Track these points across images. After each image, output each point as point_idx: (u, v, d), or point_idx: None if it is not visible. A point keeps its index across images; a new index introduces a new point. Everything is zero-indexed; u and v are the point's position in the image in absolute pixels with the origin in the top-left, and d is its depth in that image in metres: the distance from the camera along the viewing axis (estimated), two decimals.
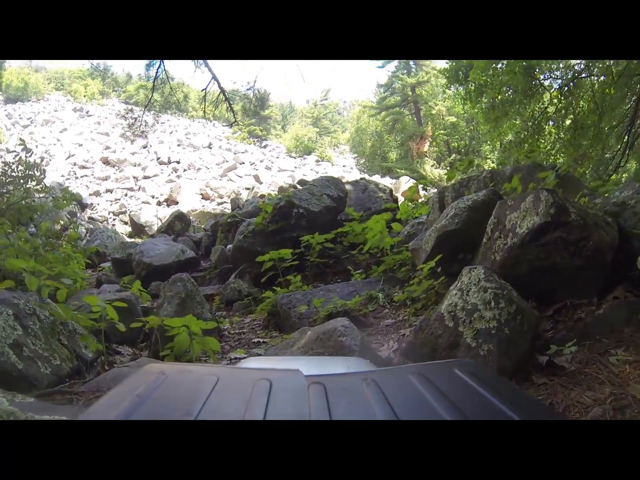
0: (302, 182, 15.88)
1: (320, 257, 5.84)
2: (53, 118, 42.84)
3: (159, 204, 27.83)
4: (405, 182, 21.72)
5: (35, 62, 51.37)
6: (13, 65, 44.09)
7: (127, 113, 16.72)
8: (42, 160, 9.44)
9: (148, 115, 15.24)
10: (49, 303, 2.94)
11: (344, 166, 40.54)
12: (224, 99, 13.08)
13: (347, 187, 8.43)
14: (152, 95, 12.01)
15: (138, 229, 19.24)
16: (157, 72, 11.63)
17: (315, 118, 50.24)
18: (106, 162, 34.74)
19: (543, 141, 11.19)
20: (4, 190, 8.19)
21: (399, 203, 8.54)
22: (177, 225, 12.07)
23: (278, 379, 0.85)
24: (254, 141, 45.68)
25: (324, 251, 5.90)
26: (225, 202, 26.93)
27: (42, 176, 8.64)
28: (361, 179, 10.51)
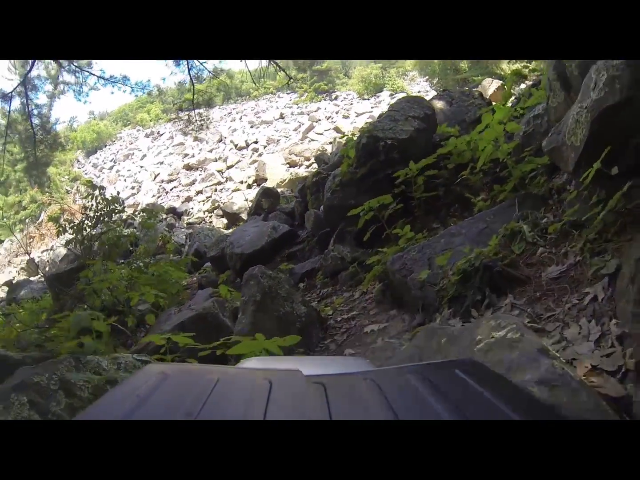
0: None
1: (426, 190, 4.72)
2: (131, 151, 45.57)
3: (248, 187, 27.76)
4: (489, 85, 19.34)
5: (98, 111, 56.90)
6: (81, 123, 47.96)
7: (177, 114, 16.55)
8: (118, 194, 9.61)
9: (200, 111, 15.10)
10: (87, 362, 2.17)
11: (419, 92, 37.93)
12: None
13: (433, 103, 7.14)
14: (194, 88, 11.69)
15: (233, 218, 19.01)
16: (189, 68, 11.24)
17: None
18: (189, 168, 35.64)
19: None
20: (95, 231, 8.14)
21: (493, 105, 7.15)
22: (265, 202, 11.45)
23: (278, 379, 0.83)
24: (322, 97, 44.53)
25: (429, 182, 4.76)
26: (313, 162, 26.10)
27: (123, 207, 8.63)
28: (443, 90, 9.07)
